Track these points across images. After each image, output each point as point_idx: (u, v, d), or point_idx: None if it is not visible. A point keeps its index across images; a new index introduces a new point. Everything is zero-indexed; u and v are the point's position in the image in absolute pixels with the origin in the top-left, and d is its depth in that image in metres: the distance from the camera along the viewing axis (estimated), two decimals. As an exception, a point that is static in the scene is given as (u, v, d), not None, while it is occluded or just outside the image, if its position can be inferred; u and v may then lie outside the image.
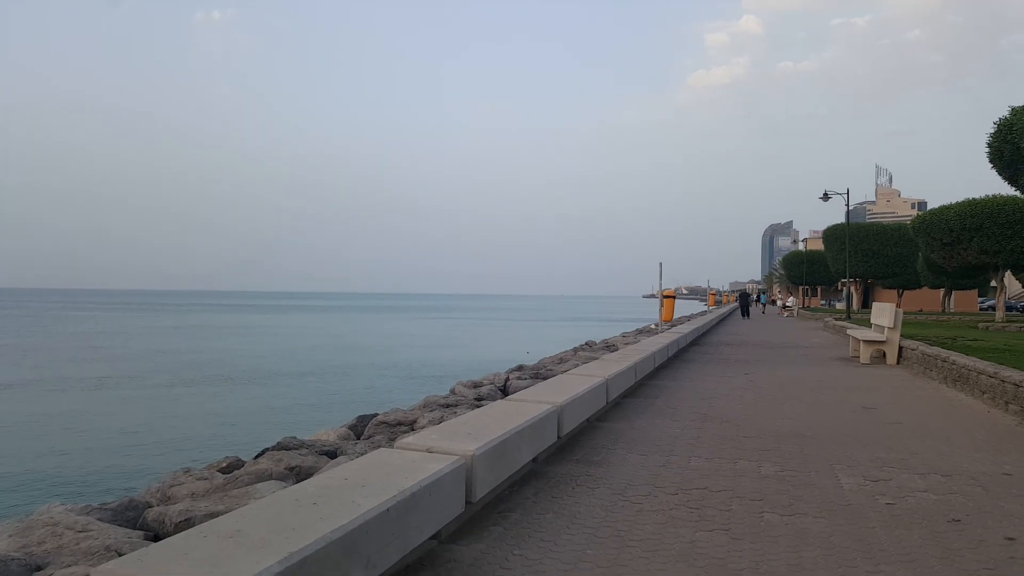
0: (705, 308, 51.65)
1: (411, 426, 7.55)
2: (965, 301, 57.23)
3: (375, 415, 8.25)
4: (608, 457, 5.27)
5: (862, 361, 12.56)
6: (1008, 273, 45.28)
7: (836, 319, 26.10)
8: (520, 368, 13.64)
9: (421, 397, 10.33)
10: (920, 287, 50.00)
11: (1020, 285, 78.85)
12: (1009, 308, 60.62)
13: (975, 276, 43.47)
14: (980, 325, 21.84)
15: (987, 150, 12.16)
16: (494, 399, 9.70)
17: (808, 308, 55.10)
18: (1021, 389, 6.78)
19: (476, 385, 10.65)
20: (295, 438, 6.52)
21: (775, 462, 5.16)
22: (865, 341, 12.59)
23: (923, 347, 11.12)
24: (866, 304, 60.25)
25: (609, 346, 18.67)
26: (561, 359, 15.44)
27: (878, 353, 12.65)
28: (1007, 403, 7.09)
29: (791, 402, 8.12)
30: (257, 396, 22.26)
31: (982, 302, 63.17)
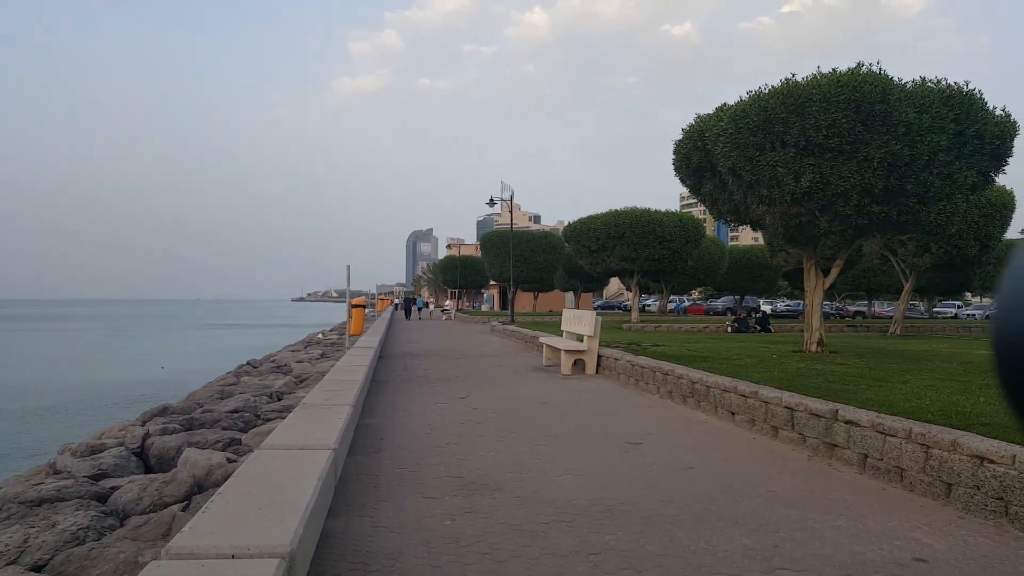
0: (373, 314, 50.03)
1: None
2: (586, 302, 65.60)
3: None
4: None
5: (563, 373, 11.85)
6: (617, 279, 53.11)
7: (502, 323, 26.52)
8: (164, 411, 9.92)
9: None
10: (553, 290, 55.57)
11: (616, 287, 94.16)
12: (611, 307, 71.33)
13: (600, 280, 49.69)
14: (624, 326, 23.94)
15: (673, 157, 12.47)
16: (125, 472, 6.30)
17: (460, 311, 57.34)
18: (797, 413, 6.11)
19: (95, 451, 6.96)
20: None
21: (632, 580, 3.32)
22: (567, 351, 11.91)
23: (629, 357, 10.70)
24: (504, 306, 65.31)
25: (281, 367, 15.52)
26: (223, 391, 11.94)
27: (578, 362, 12.08)
28: (775, 428, 6.43)
29: (542, 439, 6.56)
30: None
31: (595, 302, 73.35)
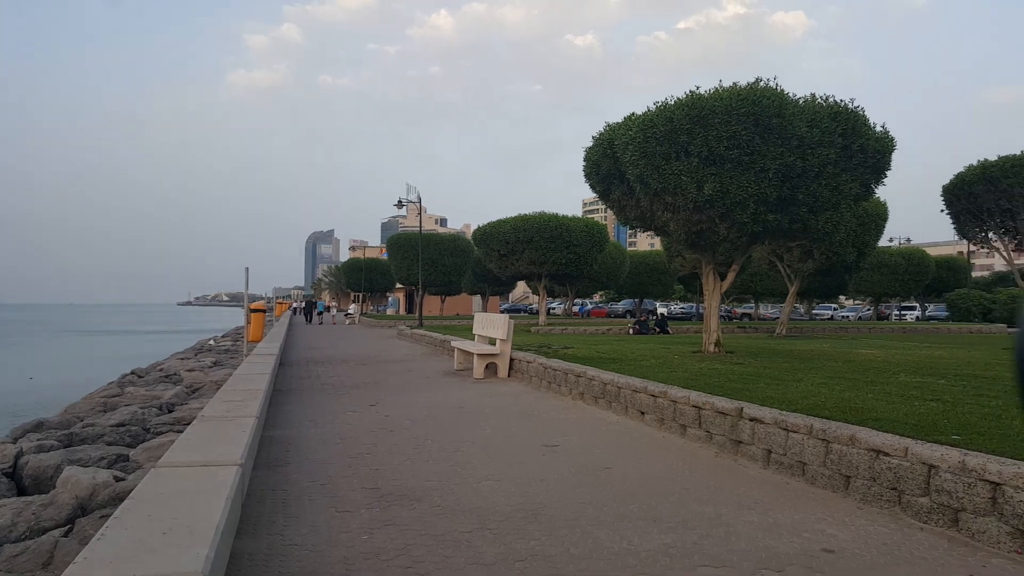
0: (271, 318, 48.05)
1: None
2: (493, 306, 65.84)
3: None
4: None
5: (476, 376, 11.78)
6: (523, 282, 53.74)
7: (410, 327, 26.14)
8: (39, 426, 9.05)
9: None
10: (460, 293, 55.41)
11: (521, 290, 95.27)
12: (517, 310, 72.04)
13: (508, 284, 49.94)
14: (532, 328, 24.16)
15: (584, 164, 12.70)
16: (-7, 496, 5.70)
17: (365, 314, 56.19)
18: (704, 412, 6.30)
19: (-47, 474, 6.25)
20: None
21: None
22: (479, 355, 11.84)
23: (542, 360, 10.77)
24: (410, 310, 64.53)
25: (170, 376, 14.61)
26: (106, 404, 11.06)
27: (490, 365, 12.04)
28: (684, 427, 6.61)
29: (459, 446, 6.45)
30: None
31: (502, 305, 73.80)
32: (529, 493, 4.87)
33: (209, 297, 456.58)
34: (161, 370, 18.92)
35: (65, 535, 4.84)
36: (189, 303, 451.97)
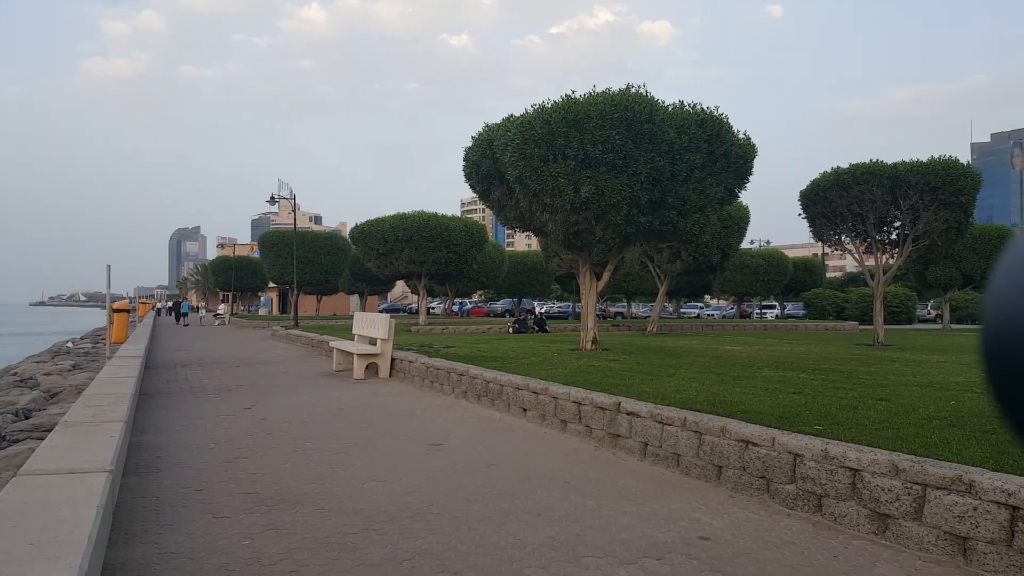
0: (133, 319, 44.47)
1: None
2: (372, 305, 64.61)
3: None
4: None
5: (356, 377, 11.59)
6: (402, 282, 53.29)
7: (284, 327, 25.19)
8: None
9: None
10: (337, 293, 53.95)
11: (400, 290, 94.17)
12: (397, 310, 71.15)
13: (386, 283, 49.17)
14: (412, 328, 24.00)
15: (463, 164, 12.78)
16: None
17: (235, 315, 53.49)
18: (584, 407, 6.56)
19: None
20: None
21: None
22: (360, 355, 11.65)
23: (424, 359, 10.76)
24: (284, 310, 62.16)
25: (25, 380, 13.48)
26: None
27: (371, 366, 11.88)
28: (564, 422, 6.84)
29: (341, 448, 6.37)
30: None
31: (381, 304, 72.59)
32: (415, 492, 4.89)
33: (65, 297, 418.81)
34: (15, 374, 17.55)
35: None
36: (43, 303, 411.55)
